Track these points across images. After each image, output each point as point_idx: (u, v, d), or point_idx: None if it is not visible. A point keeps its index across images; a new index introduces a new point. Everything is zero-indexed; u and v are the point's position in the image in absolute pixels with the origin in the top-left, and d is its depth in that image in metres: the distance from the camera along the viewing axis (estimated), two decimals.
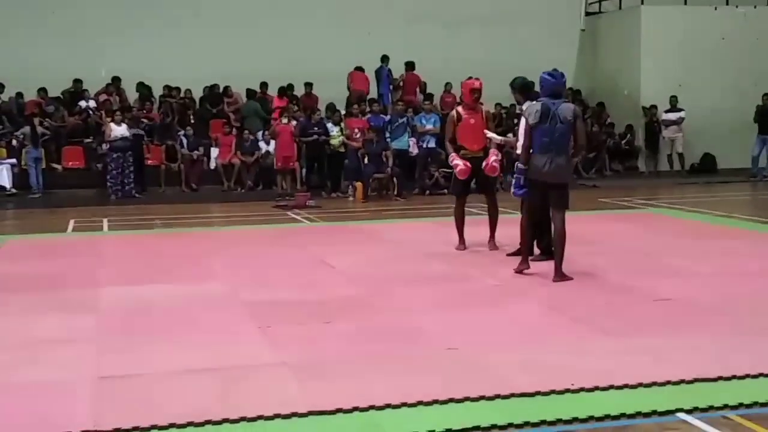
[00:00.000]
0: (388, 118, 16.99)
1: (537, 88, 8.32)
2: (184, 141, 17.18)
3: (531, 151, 7.67)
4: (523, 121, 8.30)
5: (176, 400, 4.67)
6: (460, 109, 9.30)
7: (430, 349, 5.58)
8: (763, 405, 4.45)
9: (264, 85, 18.70)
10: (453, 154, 9.06)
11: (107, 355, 5.57)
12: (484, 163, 8.95)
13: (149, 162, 17.08)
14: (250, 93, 18.52)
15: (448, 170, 14.74)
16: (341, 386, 4.83)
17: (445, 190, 14.30)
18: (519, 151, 8.13)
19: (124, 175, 15.91)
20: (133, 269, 8.71)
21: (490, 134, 9.12)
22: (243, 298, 7.20)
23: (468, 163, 8.94)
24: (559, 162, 7.57)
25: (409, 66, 19.06)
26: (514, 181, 8.22)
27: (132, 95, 18.60)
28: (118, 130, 15.81)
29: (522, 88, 8.81)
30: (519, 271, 7.90)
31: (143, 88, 18.56)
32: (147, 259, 9.37)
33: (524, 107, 8.34)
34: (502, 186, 8.65)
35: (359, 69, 18.79)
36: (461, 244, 9.32)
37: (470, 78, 9.64)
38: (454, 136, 9.20)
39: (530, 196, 7.87)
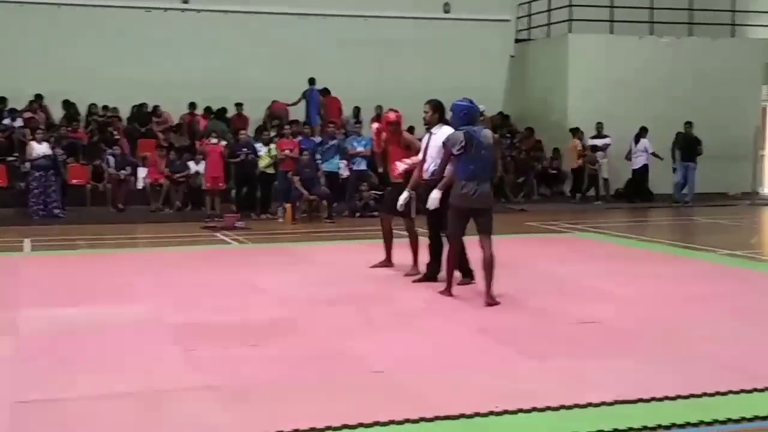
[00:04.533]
0: (318, 140, 17.00)
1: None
2: (111, 160, 16.90)
3: (459, 178, 7.74)
4: (432, 140, 8.45)
5: (97, 425, 4.58)
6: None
7: (355, 372, 5.58)
8: (681, 426, 4.55)
9: (192, 105, 18.58)
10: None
11: (25, 379, 5.43)
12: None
13: (75, 181, 16.75)
14: (218, 113, 18.42)
15: (378, 192, 14.79)
16: (266, 410, 4.79)
17: (375, 212, 14.32)
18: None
19: (47, 194, 15.57)
20: (55, 291, 8.52)
21: (401, 165, 9.17)
22: (168, 321, 7.09)
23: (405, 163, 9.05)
24: (484, 188, 7.68)
25: (325, 91, 19.14)
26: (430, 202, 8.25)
27: (58, 113, 18.27)
28: (40, 149, 15.48)
29: (439, 107, 8.79)
30: (445, 293, 7.97)
31: (69, 107, 18.25)
32: (70, 281, 9.17)
33: (436, 130, 8.46)
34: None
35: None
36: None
37: (389, 111, 9.73)
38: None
39: (453, 223, 7.91)
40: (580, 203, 18.80)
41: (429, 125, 8.62)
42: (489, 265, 7.68)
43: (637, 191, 19.23)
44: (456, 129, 7.81)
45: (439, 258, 8.59)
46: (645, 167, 19.23)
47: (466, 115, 7.78)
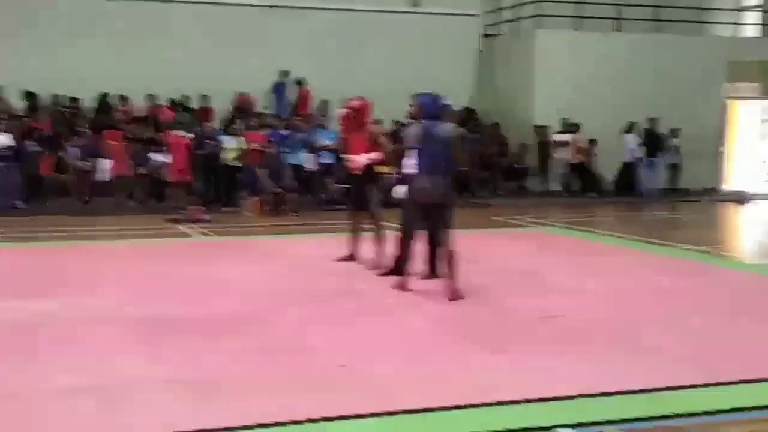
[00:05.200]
0: (286, 133, 16.94)
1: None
2: (74, 152, 16.69)
3: (416, 172, 7.77)
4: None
5: (56, 419, 4.54)
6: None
7: (320, 366, 5.57)
8: (642, 420, 4.60)
9: (156, 97, 18.42)
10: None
11: None
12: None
13: (46, 173, 16.49)
14: (183, 104, 18.28)
15: (345, 186, 14.75)
16: (229, 404, 4.77)
17: (342, 206, 14.29)
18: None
19: (8, 185, 15.35)
20: (15, 283, 8.43)
21: (363, 159, 9.19)
22: (129, 314, 7.04)
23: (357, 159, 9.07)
24: (440, 182, 7.68)
25: (300, 82, 19.07)
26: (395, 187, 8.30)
27: (19, 105, 18.02)
28: (1, 140, 15.27)
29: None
30: (401, 287, 7.98)
31: (30, 97, 18.01)
32: (30, 273, 9.07)
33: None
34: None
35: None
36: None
37: (353, 98, 9.71)
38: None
39: (410, 216, 7.94)
40: (579, 198, 18.92)
41: (415, 119, 8.63)
42: (450, 260, 7.70)
43: (626, 185, 19.44)
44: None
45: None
46: (631, 163, 19.51)
47: (428, 111, 7.81)
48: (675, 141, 20.00)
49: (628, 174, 19.61)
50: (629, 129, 19.46)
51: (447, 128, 7.82)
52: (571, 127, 19.37)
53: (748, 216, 17.17)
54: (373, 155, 9.13)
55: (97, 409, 4.70)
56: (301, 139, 16.67)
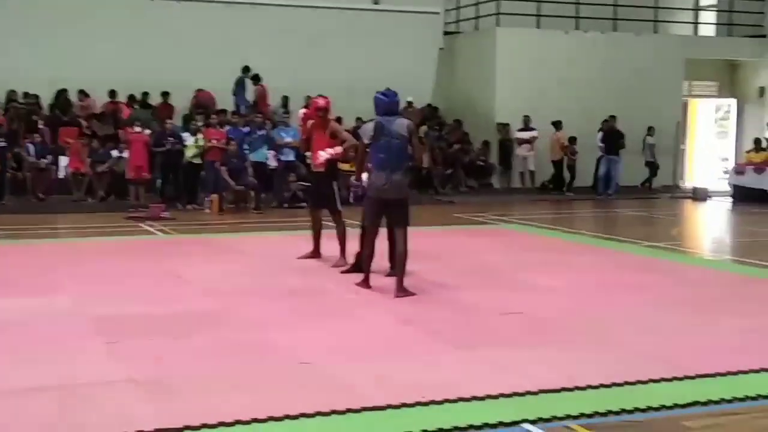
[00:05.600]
0: (246, 129, 16.83)
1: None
2: (31, 148, 16.45)
3: (371, 168, 7.78)
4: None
5: (16, 419, 4.45)
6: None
7: (282, 364, 5.53)
8: (603, 414, 4.62)
9: (114, 93, 18.22)
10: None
11: None
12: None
13: None
14: (142, 101, 18.06)
15: (306, 183, 14.70)
16: (190, 403, 4.72)
17: (304, 204, 14.25)
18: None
19: None
20: None
21: (324, 154, 9.17)
22: (89, 312, 6.94)
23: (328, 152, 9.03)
24: (396, 178, 7.68)
25: (256, 79, 18.93)
26: (352, 194, 8.33)
27: None
28: None
29: None
30: (363, 284, 7.95)
31: None
32: None
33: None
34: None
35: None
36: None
37: (318, 96, 9.69)
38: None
39: (368, 213, 7.93)
40: (548, 195, 19.08)
41: None
42: (401, 258, 7.70)
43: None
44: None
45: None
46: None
47: (382, 107, 7.82)
48: (650, 139, 20.20)
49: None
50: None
51: (402, 123, 7.82)
52: (531, 126, 19.52)
53: (706, 213, 17.40)
54: (335, 150, 9.11)
55: (55, 408, 4.62)
56: (261, 136, 16.57)
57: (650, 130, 20.21)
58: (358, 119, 18.12)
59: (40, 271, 8.95)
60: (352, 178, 8.28)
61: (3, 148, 15.71)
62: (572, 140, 19.49)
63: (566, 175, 19.74)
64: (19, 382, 5.07)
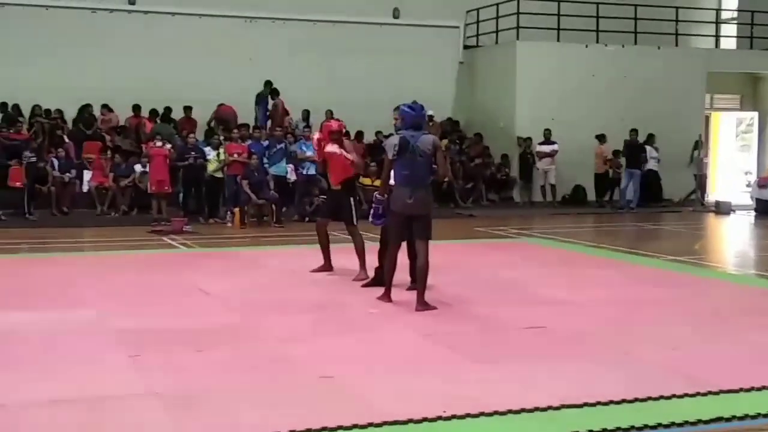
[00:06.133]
0: (266, 143, 16.90)
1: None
2: (56, 162, 16.61)
3: (393, 182, 7.76)
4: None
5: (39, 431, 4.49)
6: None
7: (303, 378, 5.54)
8: (625, 430, 4.59)
9: (138, 108, 18.36)
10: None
11: None
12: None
13: (18, 184, 16.38)
14: (164, 115, 18.23)
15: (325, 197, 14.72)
16: (212, 417, 4.73)
17: None
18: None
19: None
20: None
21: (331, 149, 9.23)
22: (112, 326, 6.98)
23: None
24: (420, 194, 7.66)
25: (274, 93, 19.03)
26: (372, 210, 8.30)
27: None
28: None
29: None
30: (383, 298, 7.96)
31: (8, 108, 17.88)
32: (10, 285, 8.96)
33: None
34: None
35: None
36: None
37: (330, 119, 9.70)
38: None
39: (392, 227, 7.92)
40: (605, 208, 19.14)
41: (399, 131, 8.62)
42: (423, 272, 7.69)
43: (646, 196, 19.58)
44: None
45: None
46: (651, 173, 19.72)
47: (409, 121, 7.77)
48: (697, 153, 20.17)
49: (650, 183, 19.75)
50: (648, 140, 19.66)
51: (427, 139, 7.77)
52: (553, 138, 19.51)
53: (729, 226, 17.28)
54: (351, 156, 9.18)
55: (79, 421, 4.64)
56: (281, 150, 16.61)
57: (698, 144, 20.19)
58: (378, 133, 18.21)
59: (64, 284, 9.02)
60: (376, 194, 8.24)
61: (32, 163, 15.88)
62: (616, 153, 19.47)
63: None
64: (42, 394, 5.10)
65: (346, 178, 9.27)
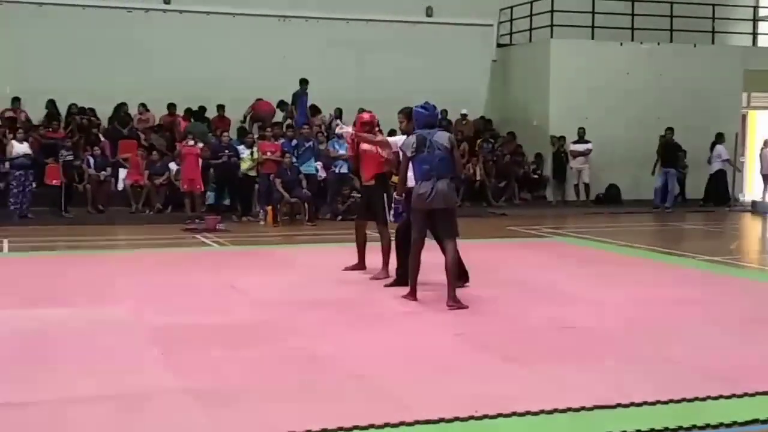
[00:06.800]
0: (294, 142, 16.91)
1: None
2: (91, 161, 16.80)
3: (416, 180, 7.77)
4: (398, 138, 8.67)
5: (75, 428, 4.54)
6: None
7: (335, 376, 5.56)
8: None
9: (173, 107, 18.51)
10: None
11: (1, 381, 5.37)
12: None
13: (54, 182, 16.58)
14: (198, 114, 18.35)
15: (359, 195, 14.77)
16: (245, 414, 4.77)
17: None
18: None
19: (24, 194, 15.44)
20: (33, 292, 8.44)
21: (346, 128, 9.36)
22: (146, 323, 7.05)
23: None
24: (441, 188, 7.66)
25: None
26: (392, 210, 8.30)
27: (37, 114, 18.11)
28: (20, 148, 15.37)
29: (411, 114, 8.68)
30: (410, 296, 7.93)
31: (51, 107, 18.13)
32: (47, 282, 9.09)
33: (398, 138, 8.63)
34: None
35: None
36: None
37: (363, 111, 9.72)
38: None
39: (415, 224, 7.90)
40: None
41: (406, 133, 8.60)
42: (452, 269, 7.67)
43: (713, 196, 19.50)
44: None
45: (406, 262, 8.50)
46: (720, 172, 19.62)
47: (422, 120, 7.87)
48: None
49: (717, 183, 19.66)
50: (718, 139, 19.52)
51: (443, 135, 7.86)
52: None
53: (766, 226, 17.06)
54: (349, 130, 9.34)
55: (116, 417, 4.70)
56: (309, 148, 16.61)
57: (766, 143, 19.98)
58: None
59: (98, 281, 9.12)
60: (394, 194, 8.27)
61: (69, 161, 16.08)
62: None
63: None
64: (78, 391, 5.17)
65: (377, 173, 9.25)
